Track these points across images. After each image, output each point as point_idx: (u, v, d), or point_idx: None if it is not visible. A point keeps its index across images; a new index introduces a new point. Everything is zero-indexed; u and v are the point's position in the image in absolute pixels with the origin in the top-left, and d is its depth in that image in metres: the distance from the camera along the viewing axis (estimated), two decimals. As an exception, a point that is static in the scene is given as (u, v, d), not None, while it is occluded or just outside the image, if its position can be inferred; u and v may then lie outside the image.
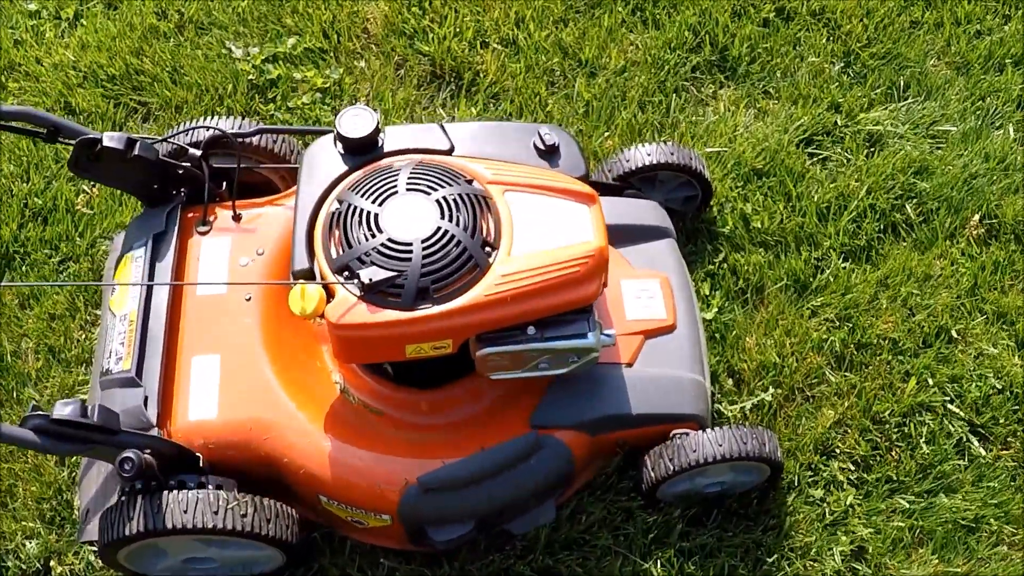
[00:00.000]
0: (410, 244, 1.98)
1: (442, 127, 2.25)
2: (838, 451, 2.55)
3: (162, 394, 2.21)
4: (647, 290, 2.50)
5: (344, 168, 2.18)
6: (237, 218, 2.48)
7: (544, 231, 2.09)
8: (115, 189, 2.92)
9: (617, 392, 2.31)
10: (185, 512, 2.01)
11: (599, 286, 2.09)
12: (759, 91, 3.27)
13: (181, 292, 2.38)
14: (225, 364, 2.27)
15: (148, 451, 2.07)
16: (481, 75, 3.24)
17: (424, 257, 1.97)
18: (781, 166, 3.06)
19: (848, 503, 2.46)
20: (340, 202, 2.08)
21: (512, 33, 3.31)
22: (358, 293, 1.97)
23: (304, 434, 2.19)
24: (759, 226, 2.94)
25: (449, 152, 2.21)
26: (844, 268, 2.88)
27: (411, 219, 2.01)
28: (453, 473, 2.16)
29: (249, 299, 2.35)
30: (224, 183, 2.55)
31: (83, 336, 2.74)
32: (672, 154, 2.72)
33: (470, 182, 2.11)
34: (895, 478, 2.51)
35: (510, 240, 2.05)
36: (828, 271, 2.87)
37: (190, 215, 2.50)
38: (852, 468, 2.52)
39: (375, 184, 2.08)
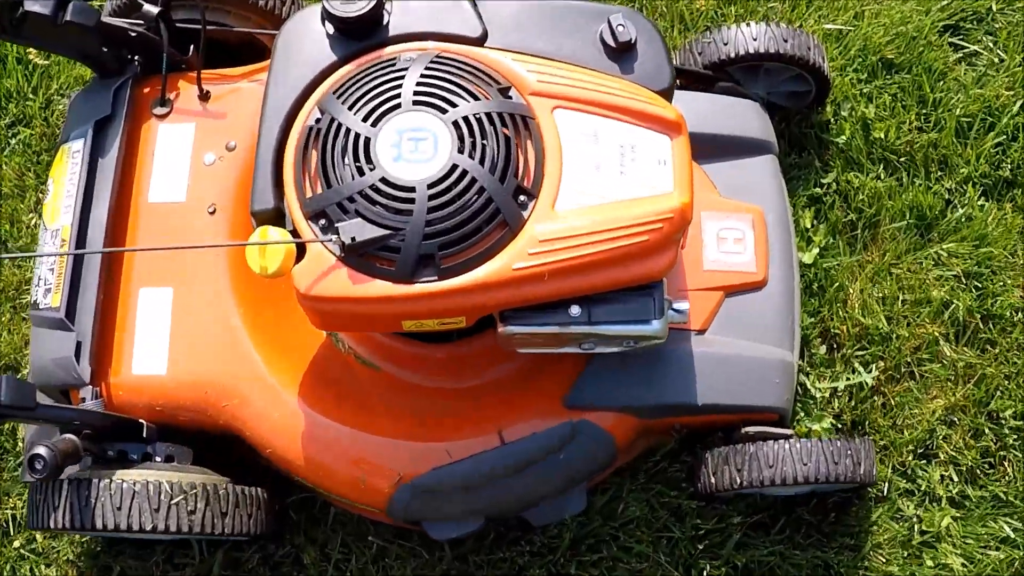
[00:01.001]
0: (412, 189, 1.35)
1: (473, 3, 1.54)
2: (942, 455, 1.97)
3: (99, 338, 1.68)
4: (735, 229, 1.86)
5: (331, 58, 1.50)
6: (204, 96, 1.84)
7: (606, 173, 1.43)
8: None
9: (681, 373, 1.72)
10: (119, 509, 1.53)
11: (674, 257, 1.46)
12: (900, -50, 2.43)
13: (128, 197, 1.79)
14: (179, 301, 1.71)
15: (77, 423, 1.58)
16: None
17: (431, 209, 1.34)
18: (919, 60, 2.29)
19: (943, 525, 1.91)
20: (321, 113, 1.44)
21: None
22: (337, 252, 1.37)
23: (274, 403, 1.66)
24: (882, 137, 2.21)
25: (480, 42, 1.52)
26: (982, 208, 2.18)
27: (417, 149, 1.37)
28: (459, 473, 1.64)
29: (213, 212, 1.76)
30: (192, 46, 1.89)
31: (34, 220, 2.19)
32: (786, 41, 1.98)
33: (506, 92, 1.44)
34: (1003, 498, 1.94)
35: (556, 185, 1.41)
36: (962, 209, 2.17)
37: (146, 89, 1.87)
38: (954, 479, 1.95)
39: (371, 90, 1.41)
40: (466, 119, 1.38)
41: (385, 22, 1.52)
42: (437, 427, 1.69)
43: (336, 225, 1.35)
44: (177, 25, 1.85)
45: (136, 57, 1.86)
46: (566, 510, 1.84)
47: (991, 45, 2.34)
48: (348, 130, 1.38)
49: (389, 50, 1.50)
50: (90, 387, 1.66)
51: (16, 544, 1.94)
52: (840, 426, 2.00)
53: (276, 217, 1.45)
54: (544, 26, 1.51)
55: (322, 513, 1.91)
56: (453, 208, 1.34)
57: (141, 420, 1.65)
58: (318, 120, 1.43)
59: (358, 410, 1.69)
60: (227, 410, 1.67)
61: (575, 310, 1.46)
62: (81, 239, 1.72)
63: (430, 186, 1.35)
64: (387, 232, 1.34)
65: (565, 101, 1.45)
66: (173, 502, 1.55)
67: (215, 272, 1.72)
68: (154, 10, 1.79)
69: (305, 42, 1.52)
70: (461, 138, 1.37)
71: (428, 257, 1.35)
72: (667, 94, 1.52)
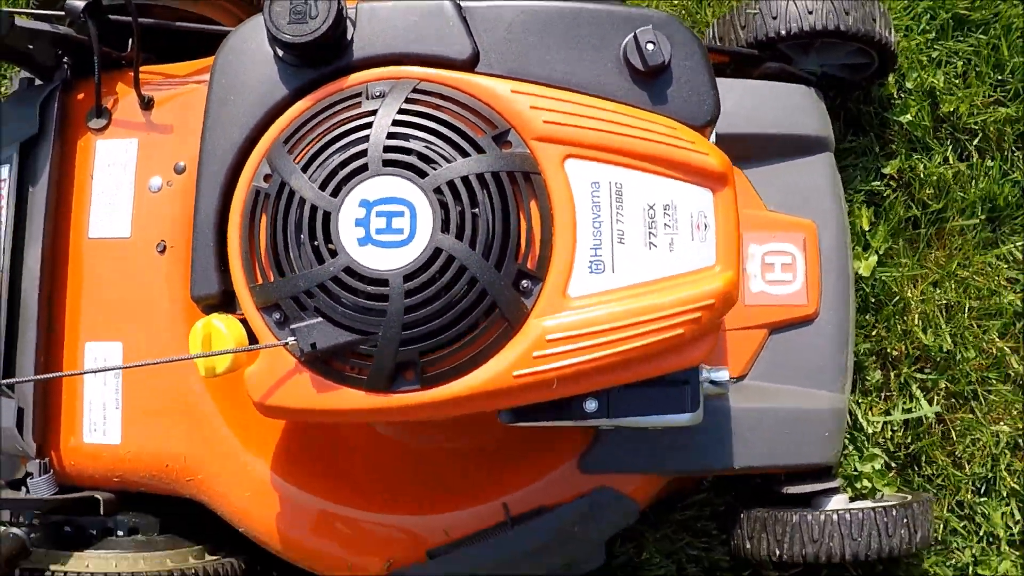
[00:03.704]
0: (384, 282, 1.04)
1: (458, 10, 1.16)
2: (1003, 489, 1.70)
3: (43, 403, 1.42)
4: (784, 253, 1.53)
5: (282, 92, 1.15)
6: (147, 104, 1.49)
7: (631, 245, 1.10)
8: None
9: (716, 433, 1.44)
10: (70, 609, 1.31)
11: (714, 343, 1.15)
12: None
13: (66, 233, 1.48)
14: (131, 358, 1.43)
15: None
16: None
17: (408, 308, 1.03)
18: (998, 20, 1.87)
19: (1001, 571, 1.66)
20: (270, 171, 1.10)
21: None
22: (297, 355, 1.08)
23: (245, 478, 1.40)
24: (951, 112, 1.83)
25: (470, 66, 1.16)
26: (1068, 197, 1.82)
27: (389, 228, 1.05)
28: (458, 562, 1.39)
29: (163, 250, 1.44)
30: (131, 40, 1.53)
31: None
32: (847, 14, 1.58)
33: (503, 138, 1.09)
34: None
35: (568, 264, 1.08)
36: (1043, 200, 1.81)
37: (80, 96, 1.52)
38: (1016, 516, 1.69)
39: (329, 143, 1.07)
40: (452, 185, 1.04)
41: (348, 41, 1.15)
42: (431, 499, 1.43)
43: (292, 321, 1.05)
44: (111, 18, 1.48)
45: (65, 58, 1.51)
46: (581, 567, 1.60)
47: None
48: (302, 200, 1.06)
49: (354, 78, 1.14)
50: (37, 461, 1.41)
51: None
52: (893, 464, 1.73)
53: (224, 301, 1.14)
54: (552, 42, 1.14)
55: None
56: (437, 306, 1.03)
57: (96, 496, 1.41)
58: (267, 178, 1.10)
59: (341, 482, 1.43)
60: (192, 484, 1.41)
61: (591, 405, 1.16)
62: (14, 290, 1.42)
63: (407, 278, 1.03)
64: (355, 338, 1.03)
65: (579, 148, 1.10)
66: (130, 600, 1.32)
67: (169, 322, 1.42)
68: (79, 4, 1.42)
69: (249, 69, 1.16)
70: (445, 211, 1.04)
71: (409, 364, 1.05)
72: (707, 128, 1.17)
